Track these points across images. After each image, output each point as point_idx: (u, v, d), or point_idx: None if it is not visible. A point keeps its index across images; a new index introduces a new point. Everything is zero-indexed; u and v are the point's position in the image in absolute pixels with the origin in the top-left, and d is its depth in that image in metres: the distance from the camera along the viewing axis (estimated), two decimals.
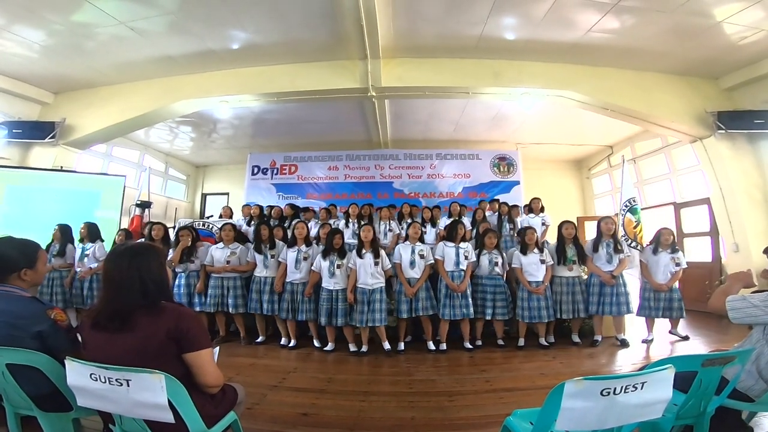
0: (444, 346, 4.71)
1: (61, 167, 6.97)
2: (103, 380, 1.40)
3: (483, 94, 6.68)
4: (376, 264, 4.64)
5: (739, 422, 2.25)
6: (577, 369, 4.00)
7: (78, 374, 1.45)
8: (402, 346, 4.75)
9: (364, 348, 4.63)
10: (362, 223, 6.07)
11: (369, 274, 4.60)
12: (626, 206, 6.81)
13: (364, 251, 4.68)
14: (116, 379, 1.39)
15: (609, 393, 1.37)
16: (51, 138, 6.71)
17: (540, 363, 4.24)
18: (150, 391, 1.38)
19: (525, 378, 3.76)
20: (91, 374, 1.42)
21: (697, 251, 7.59)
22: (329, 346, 4.76)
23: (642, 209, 7.92)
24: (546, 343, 4.82)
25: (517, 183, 9.19)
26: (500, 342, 4.92)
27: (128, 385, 1.39)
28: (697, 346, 4.82)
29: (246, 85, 6.58)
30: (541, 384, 3.56)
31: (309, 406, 3.07)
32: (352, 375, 3.96)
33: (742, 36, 5.38)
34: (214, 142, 9.77)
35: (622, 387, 1.38)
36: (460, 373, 3.99)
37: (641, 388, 1.40)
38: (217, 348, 2.23)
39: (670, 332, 5.16)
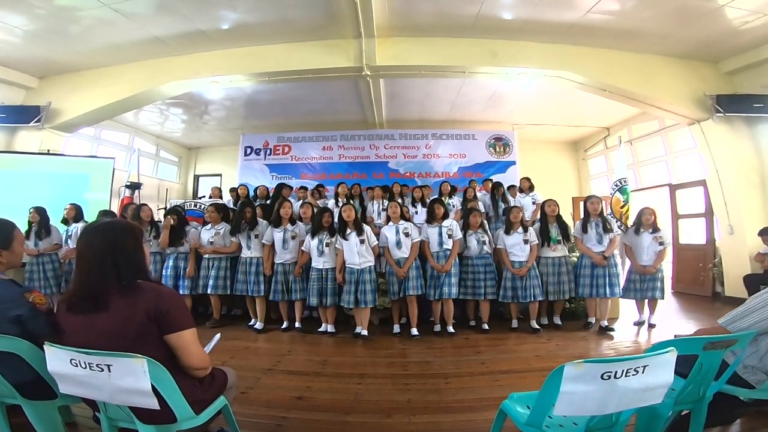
0: (438, 328, 4.70)
1: (48, 150, 6.83)
2: (83, 366, 1.34)
3: (480, 74, 6.55)
4: (362, 242, 4.57)
5: (737, 402, 2.23)
6: (572, 351, 3.99)
7: (58, 360, 1.38)
8: (397, 328, 4.72)
9: (359, 330, 4.60)
10: (349, 202, 6.02)
11: (355, 253, 4.54)
12: (616, 186, 6.79)
13: (348, 231, 4.60)
14: (97, 365, 1.32)
15: (610, 377, 1.33)
16: (36, 122, 6.56)
17: (535, 345, 4.24)
18: (132, 376, 1.32)
19: (520, 360, 3.75)
20: (71, 360, 1.35)
21: (692, 233, 7.60)
22: (323, 327, 4.74)
23: (637, 190, 7.93)
24: (537, 326, 4.75)
25: (513, 163, 9.13)
26: (485, 326, 4.80)
27: (110, 371, 1.32)
28: (688, 329, 4.77)
29: (237, 65, 6.41)
30: (537, 366, 3.56)
31: (304, 389, 3.05)
32: (347, 357, 3.95)
33: (745, 21, 5.28)
34: (206, 123, 9.58)
35: (623, 370, 1.34)
36: (456, 354, 3.98)
37: (642, 372, 1.37)
38: (218, 335, 2.16)
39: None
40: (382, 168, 9.21)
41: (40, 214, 5.45)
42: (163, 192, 10.00)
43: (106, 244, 1.53)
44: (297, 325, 4.86)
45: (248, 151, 9.48)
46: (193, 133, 10.30)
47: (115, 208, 7.22)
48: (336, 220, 4.90)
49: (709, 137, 6.48)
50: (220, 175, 11.07)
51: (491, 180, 7.14)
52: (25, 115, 6.59)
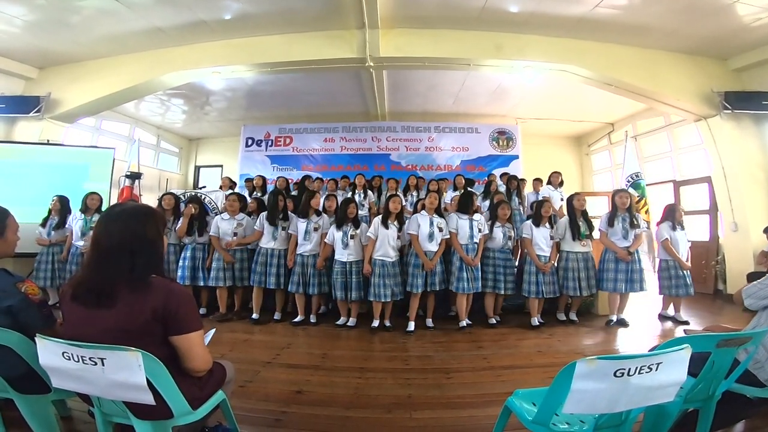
0: (467, 322, 4.58)
1: (48, 141, 6.80)
2: (76, 359, 1.28)
3: (484, 67, 6.48)
4: (399, 237, 4.55)
5: (745, 402, 2.19)
6: (575, 348, 3.97)
7: (50, 353, 1.33)
8: (412, 326, 4.49)
9: (386, 323, 4.56)
10: (369, 193, 6.02)
11: (391, 246, 4.49)
12: (629, 181, 6.72)
13: (389, 222, 4.53)
14: (90, 358, 1.27)
15: (623, 374, 1.28)
16: (36, 112, 6.54)
17: (537, 340, 4.20)
18: (126, 370, 1.27)
19: (523, 356, 3.71)
20: (63, 353, 1.30)
21: (695, 230, 7.53)
22: (351, 322, 4.66)
23: None
24: (540, 322, 4.71)
25: (516, 157, 9.08)
26: (493, 320, 4.79)
27: (103, 364, 1.27)
28: (692, 326, 4.72)
29: (238, 56, 6.35)
30: (540, 362, 3.53)
31: (303, 383, 3.00)
32: (347, 351, 3.91)
33: (756, 17, 5.20)
34: (207, 114, 9.54)
35: (636, 368, 1.29)
36: (457, 349, 3.94)
37: (656, 369, 1.32)
38: (212, 330, 2.12)
39: (661, 314, 5.08)
40: (384, 160, 9.16)
41: (62, 204, 5.46)
42: (163, 182, 10.02)
43: (128, 233, 1.45)
44: (312, 319, 4.77)
45: (249, 142, 9.44)
46: (194, 123, 10.26)
47: (115, 199, 7.21)
48: (359, 211, 4.87)
49: (716, 134, 6.42)
50: (221, 166, 11.05)
51: (507, 173, 7.11)
52: (24, 105, 6.56)
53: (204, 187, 8.61)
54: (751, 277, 5.47)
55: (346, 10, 5.45)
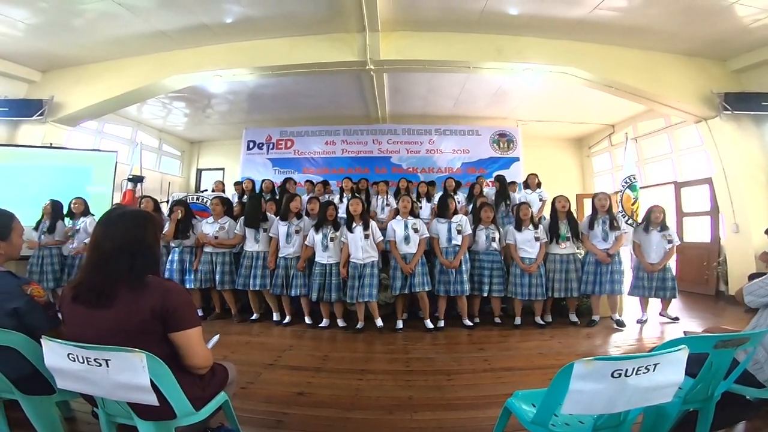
0: (442, 324, 4.68)
1: (51, 144, 6.81)
2: (81, 360, 1.30)
3: (484, 69, 6.49)
4: (366, 237, 4.54)
5: (744, 404, 2.20)
6: (576, 349, 3.96)
7: (55, 354, 1.35)
8: (400, 324, 4.67)
9: (360, 325, 4.60)
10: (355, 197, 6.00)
11: (359, 248, 4.52)
12: (626, 183, 6.74)
13: (354, 225, 4.59)
14: (95, 359, 1.29)
15: (620, 375, 1.30)
16: (39, 115, 6.56)
17: (538, 342, 4.21)
18: (131, 371, 1.29)
19: (523, 357, 3.72)
20: (68, 354, 1.32)
21: (696, 231, 7.54)
22: (324, 323, 4.71)
23: (642, 188, 7.86)
24: (542, 322, 4.80)
25: (517, 159, 9.07)
26: (497, 320, 4.89)
27: (108, 366, 1.29)
28: (692, 328, 4.73)
29: (240, 59, 6.38)
30: (540, 364, 3.53)
31: (305, 384, 3.02)
32: (348, 353, 3.92)
33: (755, 19, 5.21)
34: (208, 117, 9.56)
35: (633, 369, 1.31)
36: (458, 351, 3.95)
37: (653, 370, 1.33)
38: (217, 336, 2.14)
39: (660, 314, 5.08)
40: (384, 163, 9.16)
41: (54, 208, 5.47)
42: (165, 186, 10.03)
43: (128, 236, 1.49)
44: (307, 320, 4.80)
45: (251, 145, 9.45)
46: (195, 126, 10.28)
47: (118, 202, 7.23)
48: (341, 213, 4.86)
49: (716, 135, 6.43)
50: (222, 169, 11.07)
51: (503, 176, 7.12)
52: (27, 108, 6.58)
53: (206, 190, 8.64)
54: (753, 278, 5.46)
55: (346, 14, 5.47)
